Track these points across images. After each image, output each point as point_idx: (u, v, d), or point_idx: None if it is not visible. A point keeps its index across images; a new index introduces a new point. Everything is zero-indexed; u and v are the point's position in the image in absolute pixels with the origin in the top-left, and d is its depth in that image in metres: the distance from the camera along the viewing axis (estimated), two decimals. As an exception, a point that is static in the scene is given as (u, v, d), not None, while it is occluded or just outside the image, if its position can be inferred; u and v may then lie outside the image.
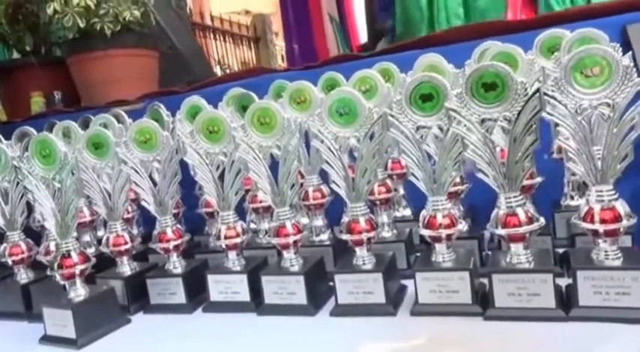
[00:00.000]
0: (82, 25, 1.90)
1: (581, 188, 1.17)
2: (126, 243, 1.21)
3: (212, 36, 7.05)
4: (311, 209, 1.24)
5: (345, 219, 1.02)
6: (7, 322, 1.24)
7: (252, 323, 1.04)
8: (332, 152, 1.00)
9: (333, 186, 1.03)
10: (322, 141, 1.01)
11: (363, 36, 5.09)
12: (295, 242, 1.06)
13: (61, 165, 1.05)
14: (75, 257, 1.06)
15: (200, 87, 1.89)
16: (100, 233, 1.61)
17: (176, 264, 1.19)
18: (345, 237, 1.01)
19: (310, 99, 1.21)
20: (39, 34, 2.31)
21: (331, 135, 1.00)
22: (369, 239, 1.00)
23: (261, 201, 1.29)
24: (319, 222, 1.25)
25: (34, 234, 1.38)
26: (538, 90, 0.84)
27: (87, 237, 1.43)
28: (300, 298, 1.03)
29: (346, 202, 1.02)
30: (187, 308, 1.13)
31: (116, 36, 2.00)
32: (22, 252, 1.27)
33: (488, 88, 0.87)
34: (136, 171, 1.16)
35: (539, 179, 1.10)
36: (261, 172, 1.06)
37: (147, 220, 1.51)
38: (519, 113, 0.85)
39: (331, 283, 1.11)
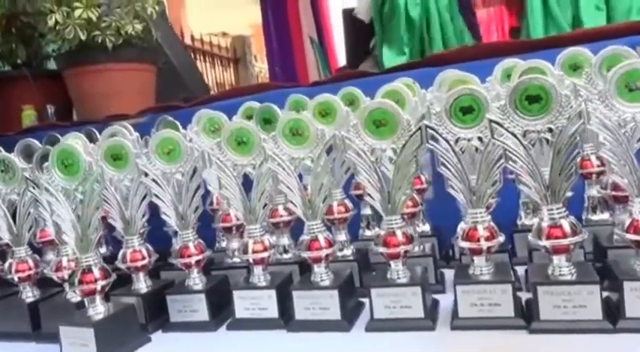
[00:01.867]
0: (83, 38, 1.86)
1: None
2: (143, 258, 1.16)
3: (192, 56, 7.03)
4: (335, 223, 1.22)
5: (381, 232, 1.00)
6: (12, 344, 1.17)
7: (282, 340, 1.01)
8: (367, 164, 0.99)
9: (367, 198, 1.01)
10: (358, 154, 1.00)
11: (342, 58, 5.17)
12: (327, 256, 1.04)
13: (85, 176, 1.01)
14: (96, 272, 1.01)
15: (203, 102, 1.87)
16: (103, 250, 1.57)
17: (197, 280, 1.14)
18: (381, 249, 0.99)
19: (336, 112, 1.20)
20: (32, 46, 2.25)
21: (366, 146, 0.99)
22: (405, 252, 0.99)
23: (281, 216, 1.27)
24: (342, 236, 1.23)
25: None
26: (583, 103, 0.85)
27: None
28: (334, 313, 1.00)
29: (381, 215, 1.01)
30: (211, 326, 1.09)
31: (117, 49, 1.96)
32: (30, 269, 1.21)
33: (533, 100, 0.88)
34: (157, 183, 1.12)
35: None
36: (292, 184, 1.04)
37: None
38: (564, 125, 0.86)
39: (360, 298, 1.11)
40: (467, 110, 0.93)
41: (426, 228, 1.34)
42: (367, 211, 1.37)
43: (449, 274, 1.19)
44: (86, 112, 2.05)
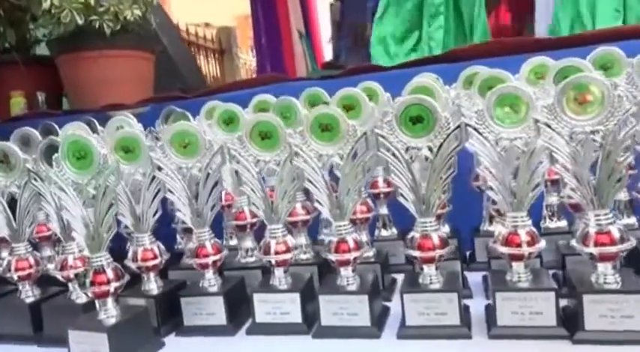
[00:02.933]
0: (80, 22, 1.77)
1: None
2: (155, 257, 1.10)
3: (177, 46, 6.88)
4: (356, 223, 1.17)
5: (415, 234, 0.95)
6: (12, 346, 1.09)
7: (308, 347, 0.95)
8: (400, 161, 0.94)
9: (400, 198, 0.96)
10: (389, 151, 0.95)
11: (328, 53, 5.12)
12: (355, 259, 0.98)
13: (99, 170, 0.94)
14: (109, 273, 0.94)
15: (207, 93, 1.79)
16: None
17: (212, 281, 1.08)
18: (415, 254, 0.94)
19: (360, 107, 1.14)
20: (22, 30, 2.13)
21: (401, 144, 0.94)
22: (440, 256, 0.94)
23: (299, 215, 1.21)
24: (364, 237, 1.18)
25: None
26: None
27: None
28: (363, 319, 0.95)
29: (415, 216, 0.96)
30: (228, 330, 1.03)
31: (114, 36, 1.87)
32: (30, 267, 1.13)
33: (583, 100, 0.84)
34: (172, 178, 1.05)
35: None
36: (319, 183, 0.99)
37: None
38: (615, 127, 0.82)
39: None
40: (512, 110, 0.89)
41: (446, 229, 1.30)
42: (384, 211, 1.32)
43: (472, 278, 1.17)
44: (80, 101, 1.96)
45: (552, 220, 1.25)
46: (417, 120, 0.93)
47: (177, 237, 1.45)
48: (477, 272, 1.19)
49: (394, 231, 1.34)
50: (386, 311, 1.04)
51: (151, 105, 1.78)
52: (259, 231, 1.18)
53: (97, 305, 0.96)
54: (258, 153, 1.03)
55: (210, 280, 1.08)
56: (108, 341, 0.90)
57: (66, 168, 0.95)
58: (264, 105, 1.36)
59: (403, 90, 1.26)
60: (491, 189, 0.92)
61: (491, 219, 1.25)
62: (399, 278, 1.23)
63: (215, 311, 1.04)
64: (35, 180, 1.06)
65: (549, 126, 0.85)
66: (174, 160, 1.06)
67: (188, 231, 1.27)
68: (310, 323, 1.01)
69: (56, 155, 0.96)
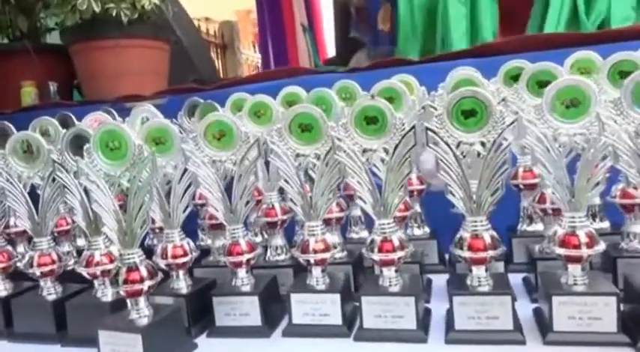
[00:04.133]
0: (97, 9, 1.71)
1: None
2: (185, 254, 1.05)
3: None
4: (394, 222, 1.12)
5: (465, 234, 0.91)
6: (34, 346, 1.04)
7: (349, 350, 0.91)
8: (451, 157, 0.89)
9: (451, 198, 0.92)
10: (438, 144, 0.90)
11: (331, 48, 5.06)
12: (399, 259, 0.94)
13: (134, 162, 0.89)
14: (143, 271, 0.89)
15: (227, 85, 1.74)
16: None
17: (245, 281, 1.03)
18: (465, 254, 0.89)
19: (401, 100, 1.10)
20: (33, 17, 2.07)
21: (452, 139, 0.90)
22: (491, 257, 0.90)
23: (332, 212, 1.16)
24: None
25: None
26: None
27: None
28: (409, 322, 0.91)
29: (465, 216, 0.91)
30: (264, 332, 0.98)
31: (131, 24, 1.81)
32: (52, 263, 1.08)
33: (650, 95, 0.79)
34: (205, 171, 1.00)
35: None
36: (362, 179, 0.94)
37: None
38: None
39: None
40: (573, 104, 0.84)
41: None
42: (417, 209, 1.27)
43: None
44: (95, 91, 1.90)
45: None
46: (470, 114, 0.89)
47: (200, 233, 1.40)
48: (515, 273, 1.15)
49: (427, 229, 1.29)
50: (429, 313, 0.99)
51: (168, 96, 1.73)
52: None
53: (129, 304, 0.91)
54: (297, 147, 0.98)
55: (243, 279, 1.03)
56: (142, 343, 0.85)
57: (98, 159, 0.90)
58: (294, 97, 1.31)
59: (443, 82, 1.23)
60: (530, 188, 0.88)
61: (530, 219, 1.21)
62: (433, 278, 1.19)
63: (249, 311, 0.99)
64: (60, 171, 1.02)
65: (615, 122, 0.81)
66: (208, 153, 1.01)
67: (215, 227, 1.23)
68: (349, 325, 0.97)
69: (88, 145, 0.90)
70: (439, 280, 1.17)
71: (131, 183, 0.89)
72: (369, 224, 1.33)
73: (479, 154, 0.89)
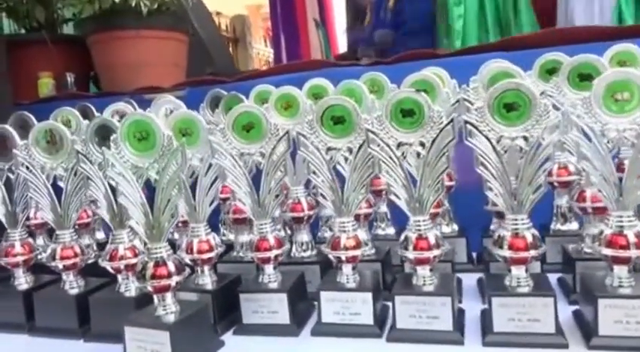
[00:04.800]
0: (116, 0, 1.68)
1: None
2: (210, 249, 1.02)
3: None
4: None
5: (505, 233, 0.87)
6: (56, 341, 1.02)
7: (383, 351, 0.88)
8: (492, 152, 0.86)
9: (490, 195, 0.88)
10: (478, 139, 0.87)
11: (342, 44, 5.02)
12: (435, 257, 0.90)
13: (162, 153, 0.86)
14: (170, 266, 0.87)
15: (248, 77, 1.71)
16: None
17: (272, 277, 1.00)
18: (505, 254, 0.86)
19: (435, 92, 1.06)
20: (51, 8, 2.05)
21: (493, 133, 0.86)
22: (533, 257, 0.86)
23: (361, 207, 1.12)
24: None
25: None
26: None
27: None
28: (445, 323, 0.87)
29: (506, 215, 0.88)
30: (293, 330, 0.95)
31: (150, 15, 1.78)
32: (75, 256, 1.05)
33: None
34: (233, 164, 0.97)
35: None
36: (397, 174, 0.90)
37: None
38: None
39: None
40: (624, 98, 0.80)
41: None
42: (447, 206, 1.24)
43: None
44: (113, 83, 1.87)
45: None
46: (512, 107, 0.85)
47: (222, 228, 1.37)
48: (548, 274, 1.11)
49: (455, 227, 1.26)
50: (463, 314, 0.96)
51: (188, 88, 1.70)
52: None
53: (156, 300, 0.88)
54: (329, 140, 0.94)
55: (270, 275, 1.00)
56: (170, 340, 0.82)
57: (125, 149, 0.87)
58: (319, 89, 1.27)
59: (475, 76, 1.19)
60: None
61: (565, 218, 1.17)
62: (463, 278, 1.16)
63: (278, 309, 0.96)
64: (84, 162, 0.99)
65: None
66: (236, 145, 0.98)
67: (239, 222, 1.20)
68: (381, 325, 0.94)
69: (115, 135, 0.88)
70: (468, 280, 1.14)
71: (160, 175, 0.86)
72: (395, 221, 1.31)
73: (521, 149, 0.86)
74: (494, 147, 0.85)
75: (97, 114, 1.46)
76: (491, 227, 1.24)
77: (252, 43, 8.23)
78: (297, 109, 1.15)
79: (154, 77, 1.79)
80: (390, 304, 1.02)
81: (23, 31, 2.13)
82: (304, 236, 1.17)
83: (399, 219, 1.29)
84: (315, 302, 1.05)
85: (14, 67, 2.04)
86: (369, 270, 1.03)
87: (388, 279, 1.14)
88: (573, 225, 1.17)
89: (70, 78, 2.00)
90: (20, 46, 2.02)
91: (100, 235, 1.45)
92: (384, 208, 1.26)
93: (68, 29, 2.29)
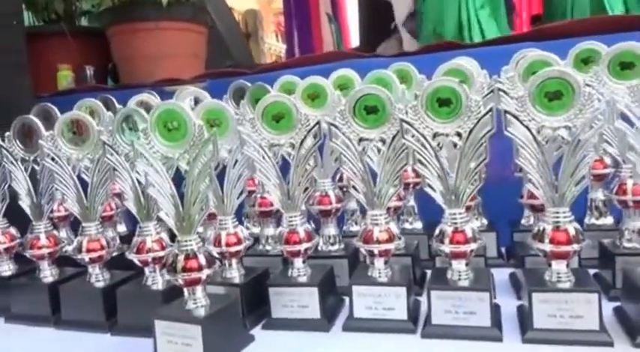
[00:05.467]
0: (137, -10, 1.67)
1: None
2: (239, 241, 1.00)
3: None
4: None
5: (547, 226, 0.84)
6: (83, 334, 1.00)
7: (418, 347, 0.85)
8: (532, 142, 0.83)
9: (530, 187, 0.85)
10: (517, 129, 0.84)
11: (355, 39, 4.98)
12: (472, 251, 0.88)
13: (193, 143, 0.84)
14: (201, 259, 0.85)
15: (269, 69, 1.69)
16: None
17: (302, 271, 0.98)
18: (546, 248, 0.83)
19: (469, 81, 1.03)
20: (68, 0, 2.04)
21: (534, 123, 0.83)
22: (575, 251, 0.83)
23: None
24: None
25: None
26: None
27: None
28: (482, 319, 0.85)
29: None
30: (323, 325, 0.93)
31: (170, 6, 1.76)
32: (101, 248, 1.04)
33: None
34: (262, 156, 0.95)
35: None
36: (433, 164, 0.88)
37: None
38: None
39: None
40: (674, 84, 0.77)
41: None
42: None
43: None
44: (133, 75, 1.86)
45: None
46: (554, 96, 0.82)
47: (245, 221, 1.36)
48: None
49: (484, 221, 1.23)
50: (498, 309, 0.93)
51: (208, 80, 1.68)
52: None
53: (186, 293, 0.86)
54: (362, 130, 0.92)
55: (300, 269, 0.98)
56: (202, 334, 0.81)
57: (155, 140, 0.85)
58: (345, 80, 1.24)
59: (504, 65, 1.16)
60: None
61: (599, 212, 1.14)
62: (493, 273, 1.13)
63: (308, 303, 0.94)
64: (110, 154, 0.97)
65: None
66: (265, 136, 0.96)
67: (265, 214, 1.18)
68: (414, 320, 0.91)
69: (144, 125, 0.86)
70: (498, 274, 1.11)
71: (190, 165, 0.84)
72: (421, 215, 1.28)
73: (562, 140, 0.83)
74: (535, 138, 0.82)
75: (118, 106, 1.45)
76: (522, 221, 1.22)
77: (263, 38, 8.21)
78: (325, 100, 1.12)
79: (173, 69, 1.78)
80: (420, 299, 1.01)
81: (42, 23, 2.13)
82: (331, 229, 1.15)
83: (426, 213, 1.27)
84: (344, 297, 1.04)
85: (33, 59, 2.02)
86: (398, 265, 1.00)
87: (417, 274, 1.11)
88: (608, 220, 1.14)
89: (89, 70, 1.99)
90: (39, 38, 2.01)
91: (122, 228, 1.44)
92: (411, 202, 1.24)
93: (85, 22, 2.28)
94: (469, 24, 2.00)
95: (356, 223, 1.28)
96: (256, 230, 1.30)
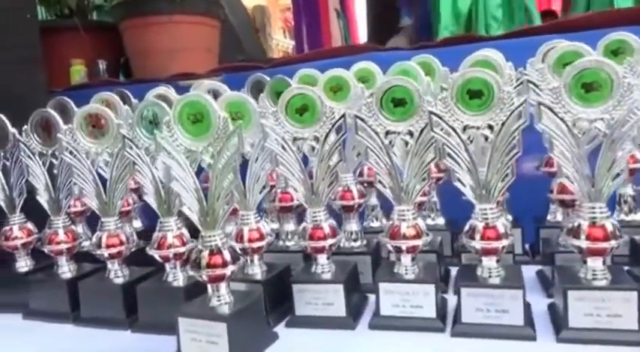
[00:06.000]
0: (150, -16, 1.64)
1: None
2: (261, 237, 0.98)
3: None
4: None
5: (582, 222, 0.81)
6: (103, 331, 0.99)
7: (447, 346, 0.83)
8: (568, 136, 0.80)
9: (565, 182, 0.82)
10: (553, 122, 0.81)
11: (363, 35, 4.94)
12: (503, 248, 0.85)
13: (218, 136, 0.82)
14: (226, 255, 0.83)
15: (285, 63, 1.66)
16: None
17: (326, 268, 0.96)
18: (583, 244, 0.80)
19: (498, 72, 1.00)
20: (81, -6, 2.02)
21: (569, 115, 0.80)
22: (612, 248, 0.80)
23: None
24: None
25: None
26: None
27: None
28: (515, 317, 0.82)
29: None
30: (349, 323, 0.91)
31: (183, 0, 1.74)
32: (121, 244, 1.02)
33: None
34: (285, 149, 0.93)
35: None
36: (462, 158, 0.85)
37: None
38: None
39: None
40: None
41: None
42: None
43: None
44: (146, 69, 1.84)
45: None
46: (592, 87, 0.79)
47: (262, 216, 1.33)
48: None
49: (509, 217, 1.20)
50: (529, 308, 0.90)
51: (224, 74, 1.66)
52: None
53: (210, 290, 0.84)
54: (389, 123, 0.89)
55: (324, 266, 0.96)
56: (227, 332, 0.79)
57: (179, 133, 0.83)
58: (365, 73, 1.22)
59: (530, 58, 1.13)
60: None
61: (629, 208, 1.11)
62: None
63: (333, 301, 0.92)
64: (130, 147, 0.95)
65: None
66: (289, 129, 0.94)
67: (285, 210, 1.16)
68: (442, 318, 0.89)
69: (167, 118, 0.84)
70: (525, 272, 1.07)
71: (215, 159, 0.82)
72: (444, 211, 1.26)
73: (599, 131, 0.80)
74: (570, 130, 0.79)
75: (134, 100, 1.43)
76: (549, 217, 1.19)
77: (271, 34, 8.18)
78: (348, 93, 1.10)
79: (187, 63, 1.76)
80: (447, 297, 0.99)
81: (54, 18, 2.11)
82: (353, 225, 1.12)
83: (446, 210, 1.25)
84: (368, 295, 1.02)
85: (46, 53, 2.01)
86: (422, 261, 0.98)
87: (441, 271, 1.09)
88: (638, 216, 1.11)
89: (102, 65, 1.97)
90: (52, 32, 1.99)
91: (138, 224, 1.43)
92: (434, 197, 1.21)
93: (95, 16, 2.26)
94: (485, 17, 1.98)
95: (376, 219, 1.26)
96: (274, 226, 1.28)
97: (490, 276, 0.86)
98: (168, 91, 1.20)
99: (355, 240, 1.12)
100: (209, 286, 0.84)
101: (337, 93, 1.11)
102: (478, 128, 0.85)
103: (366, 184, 1.19)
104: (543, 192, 1.11)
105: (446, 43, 1.50)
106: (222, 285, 0.84)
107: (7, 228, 1.14)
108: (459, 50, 1.36)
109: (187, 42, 1.79)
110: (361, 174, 1.22)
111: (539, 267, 1.11)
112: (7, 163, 1.13)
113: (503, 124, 0.82)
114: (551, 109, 0.80)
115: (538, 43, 1.15)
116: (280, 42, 7.85)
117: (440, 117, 0.85)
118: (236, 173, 0.83)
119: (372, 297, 1.01)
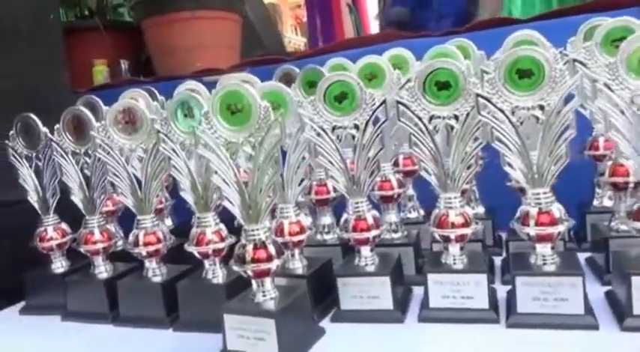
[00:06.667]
0: (171, -20, 1.62)
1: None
2: (301, 231, 0.95)
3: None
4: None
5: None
6: (144, 330, 0.97)
7: (503, 338, 0.79)
8: (631, 114, 0.76)
9: (624, 160, 0.78)
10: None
11: (374, 29, 4.89)
12: (559, 234, 0.81)
13: (259, 126, 0.79)
14: (271, 249, 0.80)
15: (310, 55, 1.64)
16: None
17: (369, 260, 0.93)
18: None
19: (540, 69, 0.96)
20: (101, -5, 2.02)
21: (627, 92, 0.76)
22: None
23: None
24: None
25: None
26: None
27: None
28: (575, 306, 0.78)
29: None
30: (397, 317, 0.88)
31: (205, -5, 1.72)
32: (158, 242, 1.00)
33: None
34: (324, 138, 0.90)
35: None
36: (512, 141, 0.81)
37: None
38: None
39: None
40: None
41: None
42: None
43: None
44: (169, 67, 1.82)
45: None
46: (648, 62, 0.75)
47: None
48: None
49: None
50: (586, 296, 0.86)
51: (249, 68, 1.63)
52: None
53: (255, 285, 0.82)
54: (433, 107, 0.86)
55: (367, 258, 0.93)
56: (276, 328, 0.76)
57: (218, 124, 0.80)
58: (398, 60, 1.18)
59: (573, 37, 1.08)
60: None
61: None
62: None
63: (379, 294, 0.89)
64: (165, 142, 0.93)
65: None
66: (328, 118, 0.91)
67: (322, 202, 1.13)
68: (495, 309, 0.85)
69: (205, 109, 0.81)
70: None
71: (256, 150, 0.79)
72: (483, 200, 1.22)
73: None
74: (630, 107, 0.75)
75: (160, 97, 1.41)
76: (595, 202, 1.15)
77: (283, 32, 8.16)
78: (383, 80, 1.06)
79: (210, 59, 1.74)
80: (495, 286, 0.95)
81: (74, 19, 2.11)
82: (393, 216, 1.09)
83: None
84: (412, 287, 0.99)
85: (68, 54, 2.02)
86: (467, 251, 0.94)
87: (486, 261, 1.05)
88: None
89: (124, 65, 1.96)
90: (74, 33, 1.99)
91: (169, 222, 1.41)
92: (474, 185, 1.17)
93: (116, 17, 2.26)
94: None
95: (414, 209, 1.23)
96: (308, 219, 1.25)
97: (545, 264, 0.82)
98: (199, 85, 1.18)
99: (395, 231, 1.09)
100: (254, 282, 0.82)
101: (372, 80, 1.07)
102: (529, 109, 0.81)
103: (402, 174, 1.16)
104: (582, 176, 1.07)
105: (475, 27, 1.46)
106: (268, 280, 0.82)
107: (42, 229, 1.13)
108: (490, 34, 1.32)
109: (210, 39, 1.76)
110: (396, 164, 1.19)
111: (587, 254, 1.06)
112: (40, 164, 1.11)
113: (555, 105, 0.78)
114: (608, 87, 0.76)
115: (571, 24, 1.11)
116: (292, 39, 7.83)
117: (488, 100, 0.81)
118: (278, 164, 0.80)
119: (416, 289, 0.98)
